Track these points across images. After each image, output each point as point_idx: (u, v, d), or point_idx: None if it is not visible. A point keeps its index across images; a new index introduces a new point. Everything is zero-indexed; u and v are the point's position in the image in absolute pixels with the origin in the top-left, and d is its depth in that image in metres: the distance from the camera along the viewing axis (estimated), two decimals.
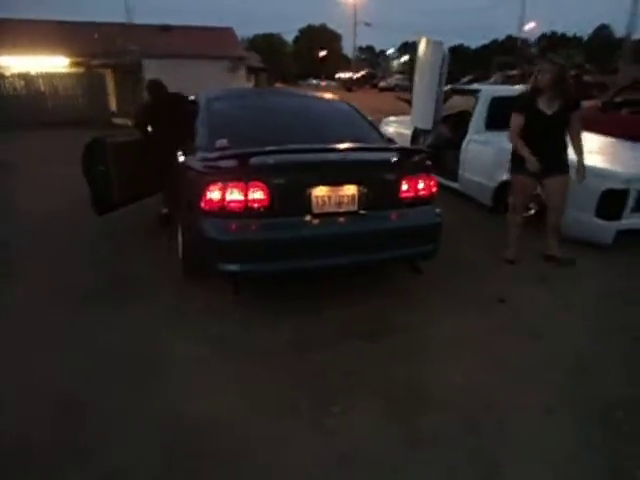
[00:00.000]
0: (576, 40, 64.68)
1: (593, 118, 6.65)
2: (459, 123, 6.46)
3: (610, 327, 3.13)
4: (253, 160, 2.85)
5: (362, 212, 3.08)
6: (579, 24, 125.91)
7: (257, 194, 2.86)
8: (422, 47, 6.11)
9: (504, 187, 5.25)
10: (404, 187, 3.18)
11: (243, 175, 2.84)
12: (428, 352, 2.84)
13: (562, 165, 3.84)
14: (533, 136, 3.78)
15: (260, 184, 2.85)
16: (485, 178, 5.44)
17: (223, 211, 2.86)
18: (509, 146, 5.47)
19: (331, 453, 2.04)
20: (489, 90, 5.79)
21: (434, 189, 3.32)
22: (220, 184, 2.83)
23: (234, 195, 2.84)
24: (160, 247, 4.27)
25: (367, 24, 38.56)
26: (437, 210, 3.35)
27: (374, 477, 1.94)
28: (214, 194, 2.85)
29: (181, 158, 3.67)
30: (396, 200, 3.19)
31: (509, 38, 58.64)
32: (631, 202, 4.17)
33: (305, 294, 3.46)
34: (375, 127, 4.03)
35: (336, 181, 3.01)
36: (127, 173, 4.30)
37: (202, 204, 2.90)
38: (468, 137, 5.77)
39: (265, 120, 3.70)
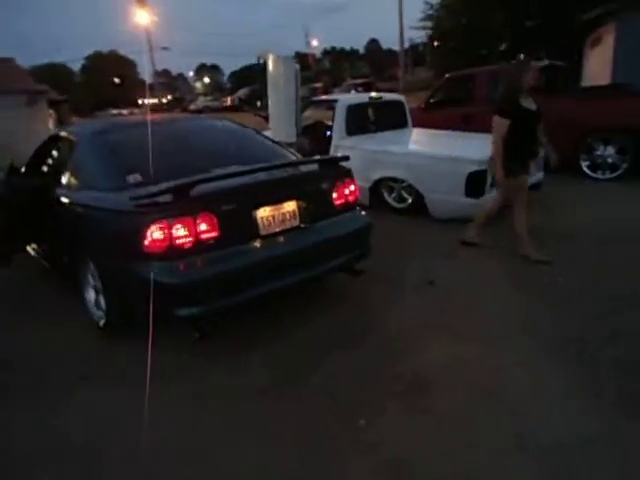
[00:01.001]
0: (354, 53, 72.95)
1: (419, 116, 7.67)
2: (316, 133, 6.82)
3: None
4: (195, 190, 2.61)
5: (303, 226, 3.07)
6: (352, 38, 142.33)
7: (206, 226, 2.63)
8: (272, 64, 6.27)
9: (378, 185, 5.76)
10: (335, 195, 3.27)
11: (189, 208, 2.58)
12: (407, 340, 2.96)
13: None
14: (521, 136, 3.85)
15: (208, 214, 2.63)
16: (360, 180, 5.83)
17: (171, 251, 2.56)
18: (374, 147, 6.00)
19: (395, 462, 2.01)
20: (345, 99, 6.23)
21: (357, 193, 3.47)
22: (165, 222, 2.53)
23: (181, 231, 2.57)
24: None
25: (165, 48, 37.52)
26: (362, 211, 3.53)
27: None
28: (157, 234, 2.53)
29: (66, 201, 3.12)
30: (331, 208, 3.25)
31: (297, 54, 63.35)
32: (489, 180, 4.95)
33: (262, 323, 3.28)
34: (274, 141, 4.03)
35: (278, 199, 2.95)
36: None
37: (142, 248, 2.54)
38: (334, 143, 6.12)
39: (166, 149, 3.38)
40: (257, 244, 2.85)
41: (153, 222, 2.52)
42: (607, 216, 5.10)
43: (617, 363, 2.57)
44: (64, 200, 3.27)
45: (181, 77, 77.25)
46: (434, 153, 5.37)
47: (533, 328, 3.02)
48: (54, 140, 4.02)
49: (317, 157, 3.58)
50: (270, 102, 6.64)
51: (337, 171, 3.33)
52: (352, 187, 3.38)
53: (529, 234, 4.09)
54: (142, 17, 32.10)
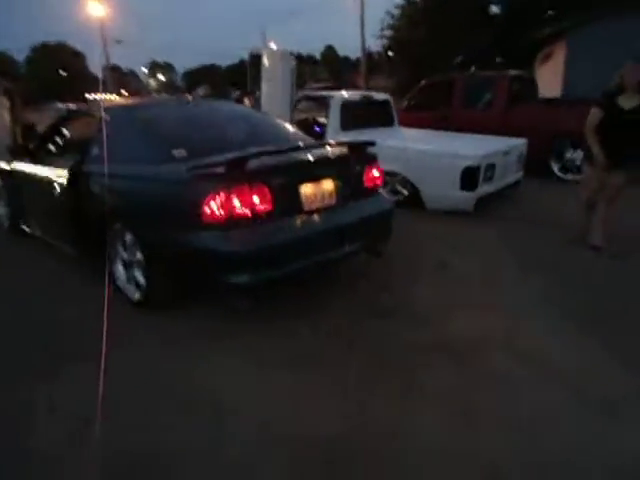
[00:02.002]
0: (310, 58, 73.48)
1: (400, 117, 8.01)
2: (305, 129, 6.97)
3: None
4: (251, 163, 2.70)
5: (338, 204, 3.22)
6: (307, 44, 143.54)
7: (260, 198, 2.72)
8: (268, 58, 6.39)
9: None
10: (366, 177, 3.44)
11: (246, 179, 2.67)
12: (433, 311, 3.17)
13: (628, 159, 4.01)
14: (610, 130, 3.94)
15: (262, 187, 2.73)
16: None
17: (228, 220, 2.64)
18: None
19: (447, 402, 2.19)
20: (339, 96, 6.42)
21: (382, 177, 3.67)
22: (224, 191, 2.60)
23: (239, 201, 2.64)
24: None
25: (118, 41, 36.31)
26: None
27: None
28: (216, 203, 2.60)
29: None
30: (362, 190, 3.42)
31: (257, 56, 63.13)
32: (482, 175, 5.29)
33: (301, 296, 3.43)
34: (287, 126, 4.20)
35: (318, 177, 3.08)
36: None
37: (201, 216, 2.61)
38: (328, 138, 6.28)
39: (199, 129, 3.47)
40: (301, 219, 2.97)
41: (213, 191, 2.59)
42: None
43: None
44: (97, 174, 3.24)
45: (132, 73, 74.87)
46: (431, 149, 5.66)
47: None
48: (67, 119, 3.97)
49: (346, 140, 3.73)
50: (263, 96, 6.74)
51: (366, 155, 3.51)
52: (378, 172, 3.56)
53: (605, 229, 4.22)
54: (96, 9, 30.95)
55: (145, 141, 3.15)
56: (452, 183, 5.28)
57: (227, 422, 2.16)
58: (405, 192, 5.76)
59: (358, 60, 25.68)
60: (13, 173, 4.42)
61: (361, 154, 3.46)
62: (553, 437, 2.05)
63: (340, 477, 1.87)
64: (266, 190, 2.74)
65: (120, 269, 3.29)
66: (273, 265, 2.81)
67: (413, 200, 5.67)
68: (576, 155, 7.14)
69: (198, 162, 2.73)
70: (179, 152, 2.96)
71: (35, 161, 4.04)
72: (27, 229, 4.50)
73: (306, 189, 2.99)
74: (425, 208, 5.59)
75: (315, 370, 2.55)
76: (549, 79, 14.78)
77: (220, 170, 2.65)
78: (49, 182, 3.65)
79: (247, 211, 2.68)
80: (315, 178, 3.05)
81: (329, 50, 70.00)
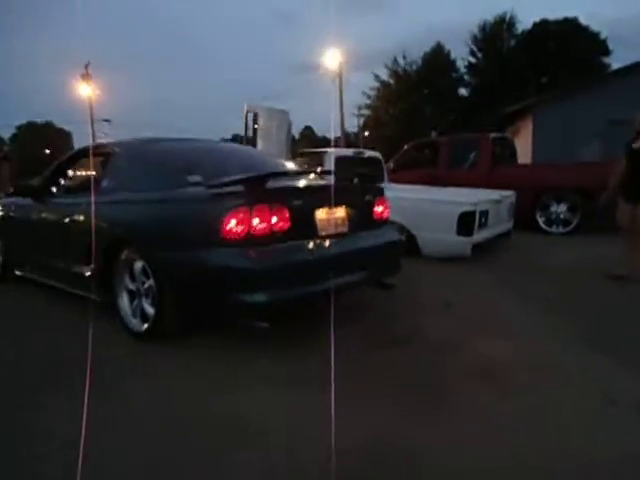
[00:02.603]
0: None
1: (389, 176, 8.31)
2: None
3: None
4: (270, 184, 2.71)
5: (351, 233, 3.22)
6: None
7: (279, 217, 2.71)
8: (264, 115, 6.66)
9: None
10: (376, 209, 3.48)
11: (266, 198, 2.66)
12: (446, 340, 3.07)
13: None
14: (631, 172, 4.51)
15: (282, 207, 2.72)
16: None
17: (248, 238, 2.59)
18: None
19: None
20: (333, 152, 6.66)
21: (390, 210, 3.71)
22: (245, 209, 2.58)
23: (258, 219, 2.62)
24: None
25: (106, 120, 37.52)
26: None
27: None
28: (237, 221, 2.57)
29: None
30: (372, 221, 3.44)
31: (238, 136, 66.13)
32: (477, 222, 5.41)
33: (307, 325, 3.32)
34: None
35: (332, 204, 3.09)
36: None
37: (221, 234, 2.56)
38: None
39: (209, 160, 3.51)
40: (315, 243, 2.94)
41: (234, 208, 2.57)
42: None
43: None
44: (108, 204, 3.20)
45: None
46: (428, 196, 5.83)
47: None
48: (73, 159, 4.02)
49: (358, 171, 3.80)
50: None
51: (376, 188, 3.57)
52: (387, 204, 3.61)
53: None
54: (85, 90, 32.16)
55: (160, 169, 3.17)
56: (449, 229, 5.37)
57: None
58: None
59: (337, 139, 27.10)
60: (7, 217, 4.36)
61: (371, 186, 3.52)
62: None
63: None
64: (285, 210, 2.73)
65: (125, 301, 3.15)
66: (288, 285, 2.72)
67: (409, 247, 5.71)
68: (560, 209, 7.45)
69: (217, 182, 2.73)
70: (194, 178, 2.96)
71: (41, 199, 3.98)
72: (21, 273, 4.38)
73: (321, 214, 3.00)
74: (421, 254, 5.63)
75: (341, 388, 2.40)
76: (520, 148, 15.81)
77: (240, 188, 2.65)
78: (59, 218, 3.62)
79: (266, 229, 2.65)
80: (330, 205, 3.07)
81: (307, 130, 73.52)
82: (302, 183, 2.96)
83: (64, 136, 56.51)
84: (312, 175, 3.18)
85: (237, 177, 2.73)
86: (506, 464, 1.83)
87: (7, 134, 56.73)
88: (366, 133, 34.26)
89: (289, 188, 2.85)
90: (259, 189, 2.67)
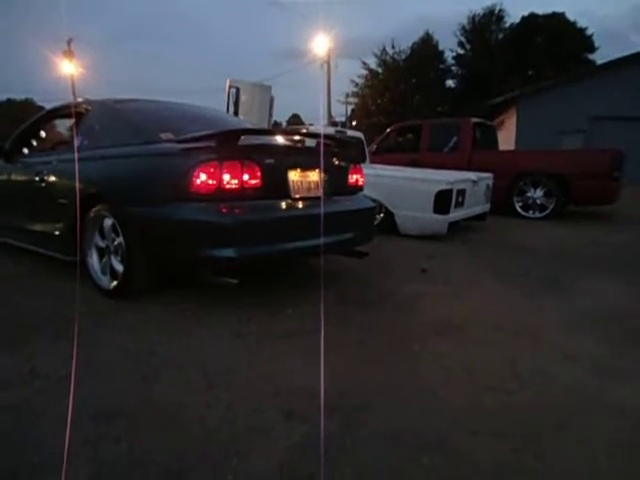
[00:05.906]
0: (277, 125, 76.19)
1: (371, 159, 8.34)
2: None
3: None
4: (243, 141, 2.71)
5: (325, 197, 3.23)
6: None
7: (250, 174, 2.71)
8: (246, 91, 6.60)
9: None
10: (351, 176, 3.50)
11: (237, 154, 2.66)
12: (418, 302, 3.13)
13: None
14: None
15: (254, 164, 2.72)
16: None
17: (219, 192, 2.59)
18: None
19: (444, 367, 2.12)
20: (315, 128, 6.64)
21: (364, 180, 3.74)
22: (215, 163, 2.57)
23: (229, 175, 2.62)
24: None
25: None
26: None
27: None
28: (208, 174, 2.56)
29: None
30: (346, 187, 3.46)
31: None
32: (454, 200, 5.48)
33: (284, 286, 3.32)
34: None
35: (307, 166, 3.10)
36: None
37: (191, 188, 2.56)
38: None
39: (180, 119, 3.48)
40: (287, 203, 2.95)
41: (205, 162, 2.56)
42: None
43: None
44: (77, 161, 3.16)
45: None
46: (406, 175, 5.87)
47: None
48: (46, 117, 3.95)
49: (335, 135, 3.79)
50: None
51: (352, 156, 3.59)
52: (362, 173, 3.63)
53: None
54: (67, 67, 31.34)
55: (131, 126, 3.13)
56: (426, 207, 5.43)
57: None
58: (379, 216, 5.86)
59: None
60: None
61: (347, 153, 3.53)
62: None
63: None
64: (256, 168, 2.73)
65: (94, 258, 3.13)
66: (258, 242, 2.74)
67: (386, 224, 5.77)
68: (536, 194, 7.57)
69: (188, 137, 2.72)
70: (166, 135, 2.95)
71: (12, 160, 3.91)
72: None
73: (294, 176, 3.00)
74: (399, 232, 5.69)
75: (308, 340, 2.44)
76: (504, 139, 16.03)
77: (212, 143, 2.64)
78: (30, 178, 3.56)
79: (237, 185, 2.64)
80: (304, 167, 3.08)
81: (295, 118, 73.01)
82: (276, 143, 2.95)
83: None
84: (287, 136, 3.16)
85: (209, 132, 2.72)
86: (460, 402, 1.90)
87: None
88: (354, 123, 34.26)
89: (262, 146, 2.84)
90: (231, 145, 2.66)
